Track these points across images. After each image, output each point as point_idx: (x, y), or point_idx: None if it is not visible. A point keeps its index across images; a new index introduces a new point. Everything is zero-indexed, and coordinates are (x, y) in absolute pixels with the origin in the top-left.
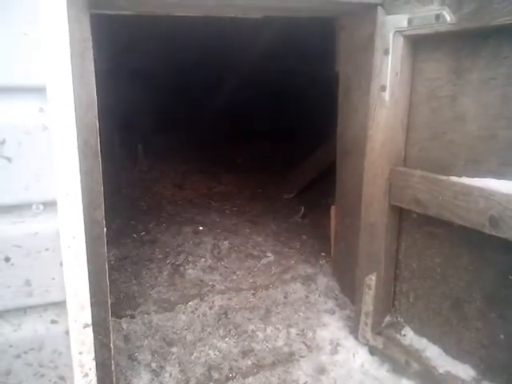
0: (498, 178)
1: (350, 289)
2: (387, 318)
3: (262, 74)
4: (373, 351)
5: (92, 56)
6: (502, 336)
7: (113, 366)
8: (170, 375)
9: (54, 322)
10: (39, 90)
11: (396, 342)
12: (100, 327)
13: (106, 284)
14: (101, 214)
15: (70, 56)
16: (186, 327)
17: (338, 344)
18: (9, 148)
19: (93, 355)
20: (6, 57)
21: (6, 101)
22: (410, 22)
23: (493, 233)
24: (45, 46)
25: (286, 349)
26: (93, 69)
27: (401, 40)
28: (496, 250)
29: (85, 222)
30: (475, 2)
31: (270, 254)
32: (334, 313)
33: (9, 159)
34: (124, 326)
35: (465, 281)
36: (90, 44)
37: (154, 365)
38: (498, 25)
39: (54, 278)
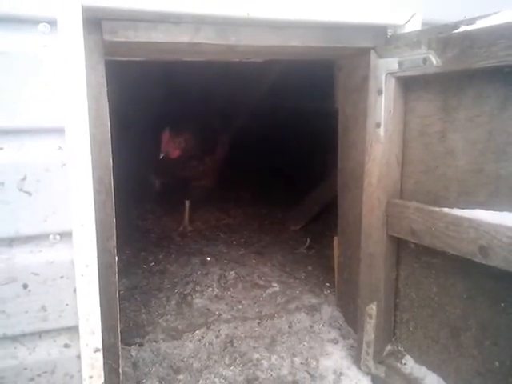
0: (486, 209)
1: (353, 318)
2: (388, 347)
3: (267, 111)
4: (375, 380)
5: (106, 99)
6: (496, 363)
7: None
8: None
9: (66, 346)
10: (58, 131)
11: (397, 371)
12: (110, 352)
13: (117, 310)
14: (113, 244)
15: (87, 99)
16: (192, 355)
17: (341, 373)
18: (29, 183)
19: (102, 380)
20: (29, 103)
21: (28, 141)
22: (400, 64)
23: (483, 262)
24: (64, 92)
25: (290, 378)
26: (107, 110)
27: (392, 81)
28: (488, 278)
29: (98, 252)
30: (458, 47)
31: (275, 284)
32: (337, 342)
33: (29, 193)
34: (133, 353)
35: (460, 309)
36: (105, 88)
37: None
38: (479, 67)
39: (67, 304)
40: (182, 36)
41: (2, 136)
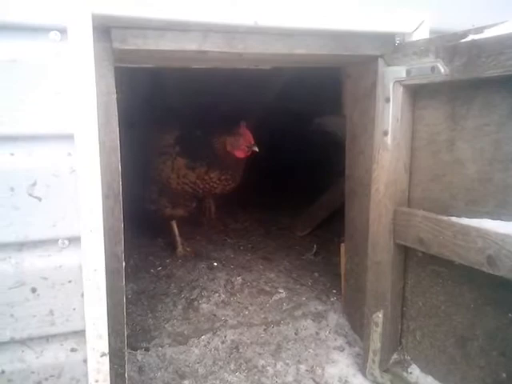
0: (494, 219)
1: (359, 326)
2: (394, 356)
3: (275, 116)
4: None
5: (116, 106)
6: (504, 375)
7: None
8: None
9: (73, 350)
10: (68, 138)
11: (403, 380)
12: (116, 357)
13: (123, 315)
14: (121, 249)
15: (97, 106)
16: (198, 361)
17: (346, 381)
18: (39, 189)
19: None
20: (39, 110)
21: (38, 147)
22: (408, 72)
23: (491, 271)
24: (74, 99)
25: None
26: (116, 117)
27: (400, 89)
28: (495, 288)
29: (106, 257)
30: (466, 56)
31: (282, 291)
32: (343, 350)
33: (39, 199)
34: (139, 357)
35: (467, 319)
36: (114, 95)
37: None
38: (487, 76)
39: (75, 309)
40: (189, 44)
41: (12, 142)
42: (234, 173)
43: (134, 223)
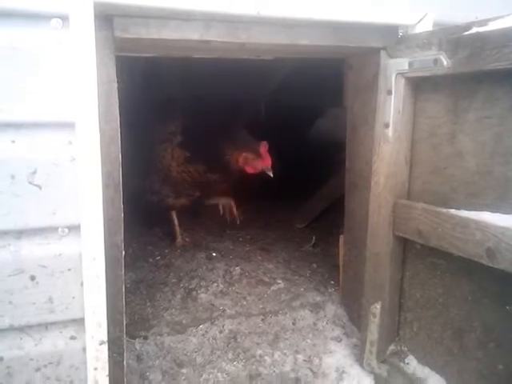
0: (493, 212)
1: (357, 317)
2: (392, 347)
3: (275, 108)
4: (377, 379)
5: (116, 94)
6: (500, 366)
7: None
8: None
9: (72, 338)
10: (69, 126)
11: (400, 371)
12: (115, 345)
13: (122, 304)
14: (120, 238)
15: (97, 95)
16: (196, 350)
17: (343, 371)
18: (39, 177)
19: (107, 372)
20: (41, 98)
21: (40, 135)
22: (410, 65)
23: (490, 264)
24: (75, 87)
25: (292, 374)
26: (117, 106)
27: (402, 81)
28: (493, 280)
29: (105, 246)
30: (469, 49)
31: (280, 281)
32: (340, 340)
33: (39, 187)
34: (137, 346)
35: (465, 311)
36: (115, 84)
37: None
38: (490, 69)
39: (74, 297)
40: (192, 33)
41: (14, 129)
42: (230, 177)
43: (133, 212)
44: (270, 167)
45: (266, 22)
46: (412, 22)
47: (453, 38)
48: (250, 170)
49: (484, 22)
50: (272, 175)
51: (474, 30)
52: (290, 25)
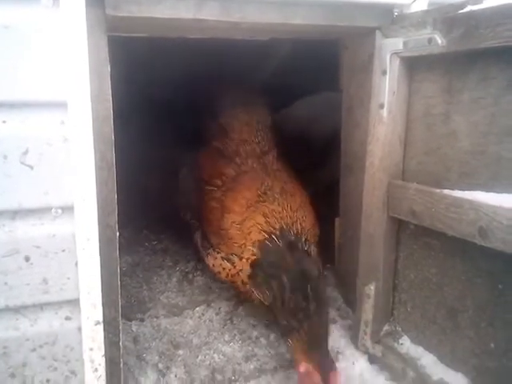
0: (487, 191)
1: (352, 299)
2: (386, 327)
3: (271, 91)
4: (372, 359)
5: (109, 74)
6: (492, 345)
7: (121, 364)
8: (176, 376)
9: (68, 318)
10: (61, 105)
11: (394, 351)
12: (110, 326)
13: (117, 285)
14: (114, 219)
15: (89, 75)
16: (192, 331)
17: (338, 352)
18: (31, 157)
19: (103, 352)
20: (32, 77)
21: (31, 115)
22: (405, 44)
23: (482, 243)
24: (67, 66)
25: (287, 355)
26: (109, 86)
27: (397, 61)
28: (486, 260)
29: (99, 227)
30: (463, 27)
31: None
32: (335, 322)
33: (31, 167)
34: (134, 328)
35: (458, 290)
36: (108, 63)
37: (160, 365)
38: (484, 47)
39: (69, 278)
40: (185, 12)
41: (5, 109)
42: None
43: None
44: None
45: (260, 1)
46: (407, 2)
47: (447, 17)
48: None
49: (478, 0)
50: None
51: (469, 8)
52: (283, 3)
